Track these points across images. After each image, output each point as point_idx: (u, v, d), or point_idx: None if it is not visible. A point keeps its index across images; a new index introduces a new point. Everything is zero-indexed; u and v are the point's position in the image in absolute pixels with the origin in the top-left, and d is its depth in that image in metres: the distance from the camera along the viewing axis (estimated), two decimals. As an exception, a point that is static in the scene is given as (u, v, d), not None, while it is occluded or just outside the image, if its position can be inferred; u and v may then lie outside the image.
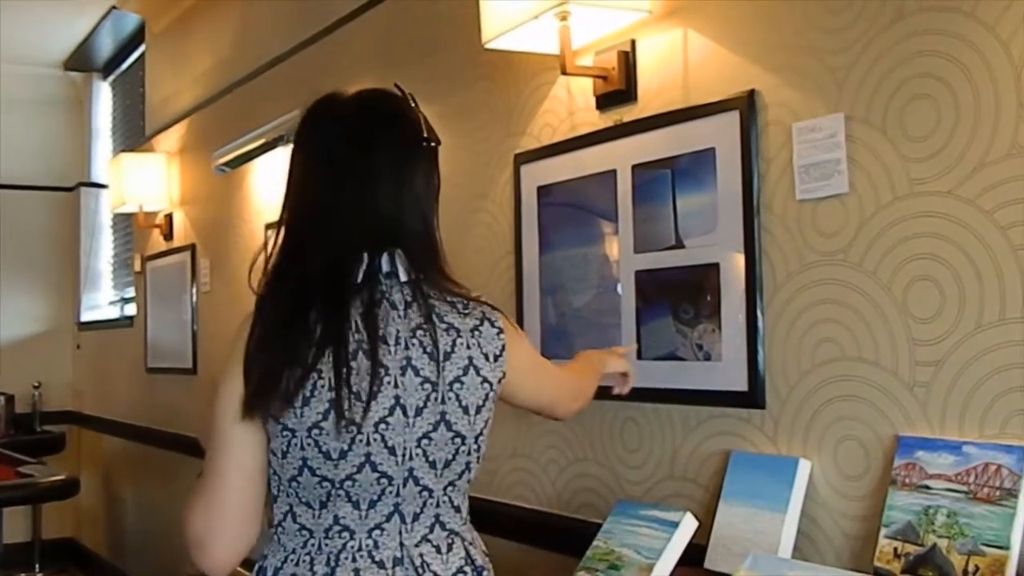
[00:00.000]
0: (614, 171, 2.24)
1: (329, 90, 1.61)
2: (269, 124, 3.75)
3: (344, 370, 1.41)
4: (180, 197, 5.04)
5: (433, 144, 1.56)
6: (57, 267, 6.84)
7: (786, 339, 1.88)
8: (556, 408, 1.85)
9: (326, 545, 1.46)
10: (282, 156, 3.73)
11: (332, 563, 1.45)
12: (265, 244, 1.55)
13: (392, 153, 1.51)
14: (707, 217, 2.02)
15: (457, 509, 1.54)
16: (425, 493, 1.49)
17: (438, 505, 1.51)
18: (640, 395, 2.10)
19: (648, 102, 2.19)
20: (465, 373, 1.49)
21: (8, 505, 4.85)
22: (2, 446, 5.48)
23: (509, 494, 2.59)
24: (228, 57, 4.52)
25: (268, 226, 3.95)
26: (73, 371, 6.84)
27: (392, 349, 1.45)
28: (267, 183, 4.04)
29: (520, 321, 2.47)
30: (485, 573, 1.55)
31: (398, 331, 1.47)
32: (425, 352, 1.47)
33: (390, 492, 1.46)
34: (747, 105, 1.94)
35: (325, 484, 1.44)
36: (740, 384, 1.95)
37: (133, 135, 6.12)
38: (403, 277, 1.50)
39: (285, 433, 1.43)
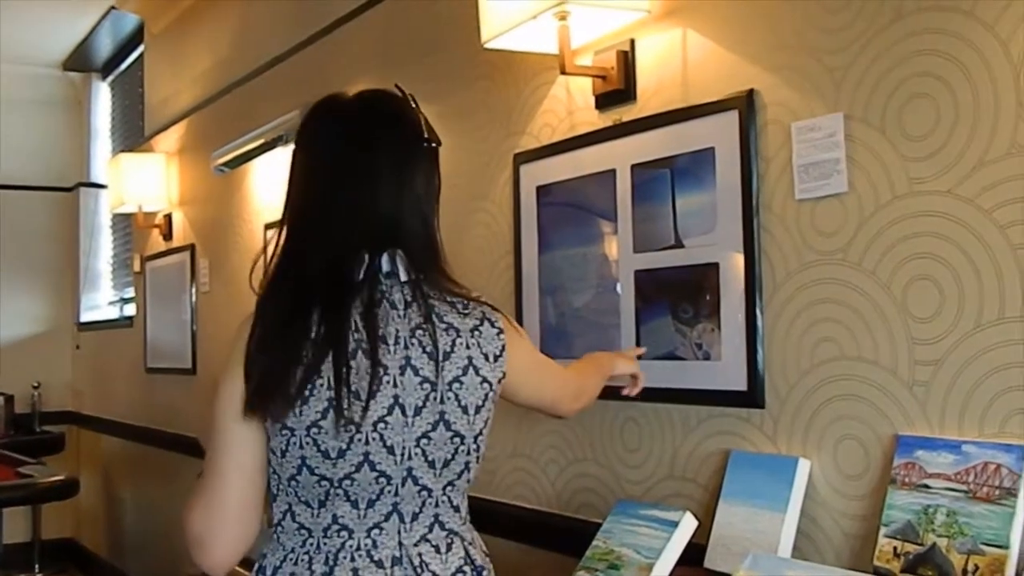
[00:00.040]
0: (613, 171, 2.24)
1: (328, 90, 1.61)
2: (268, 124, 3.75)
3: (343, 370, 1.41)
4: (179, 197, 5.04)
5: (434, 145, 1.56)
6: (56, 267, 6.84)
7: (785, 338, 1.88)
8: (558, 406, 1.85)
9: (325, 544, 1.46)
10: (281, 156, 3.73)
11: (331, 562, 1.45)
12: (266, 245, 1.55)
13: (393, 154, 1.51)
14: (706, 217, 2.02)
15: (456, 509, 1.54)
16: (424, 493, 1.49)
17: (437, 505, 1.51)
18: (640, 395, 2.10)
19: (647, 102, 2.19)
20: (464, 373, 1.49)
21: (8, 505, 4.86)
22: (2, 446, 5.48)
23: (509, 494, 2.59)
24: (227, 57, 4.52)
25: (268, 226, 3.95)
26: (72, 371, 6.84)
27: (391, 349, 1.45)
28: (266, 183, 4.04)
29: (519, 321, 2.47)
30: (485, 573, 1.55)
31: (397, 331, 1.47)
32: (424, 352, 1.47)
33: (389, 491, 1.46)
34: (746, 105, 1.94)
35: (324, 483, 1.44)
36: (740, 384, 1.95)
37: (132, 135, 6.12)
38: (403, 277, 1.50)
39: (284, 432, 1.43)
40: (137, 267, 5.61)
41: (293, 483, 1.46)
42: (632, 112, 2.22)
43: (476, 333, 1.52)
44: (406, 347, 1.46)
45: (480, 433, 1.52)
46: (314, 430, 1.42)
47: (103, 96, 6.86)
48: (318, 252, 1.49)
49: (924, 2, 1.66)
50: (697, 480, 2.07)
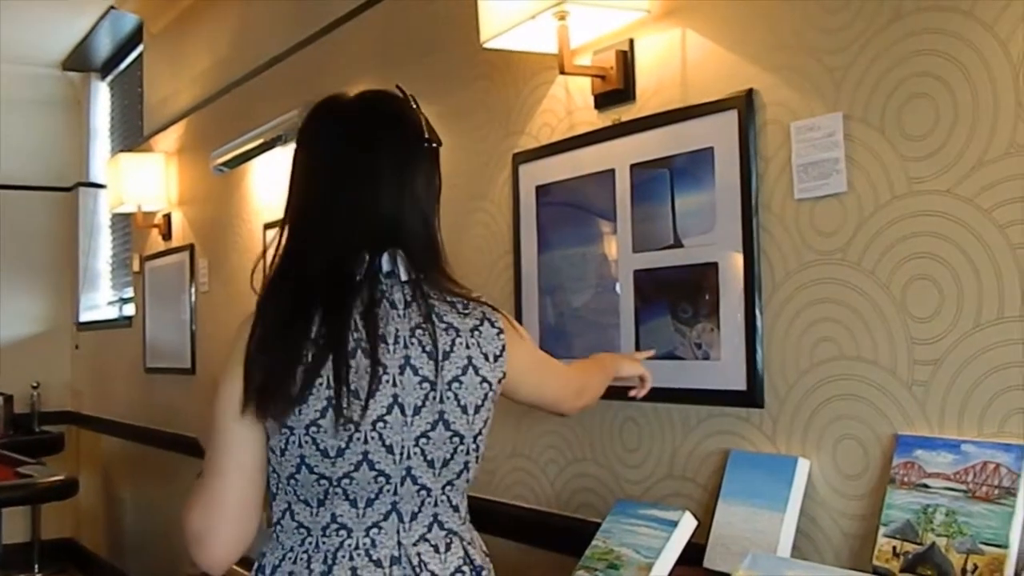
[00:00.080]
0: (612, 170, 2.24)
1: (327, 90, 1.61)
2: (267, 124, 3.75)
3: (343, 369, 1.41)
4: (178, 197, 5.04)
5: (434, 145, 1.57)
6: (55, 267, 6.84)
7: (785, 338, 1.88)
8: (560, 404, 1.86)
9: (323, 543, 1.47)
10: (280, 156, 3.73)
11: (329, 561, 1.45)
12: (267, 246, 1.55)
13: (394, 154, 1.52)
14: (705, 216, 2.02)
15: (455, 509, 1.54)
16: (423, 492, 1.49)
17: (436, 504, 1.51)
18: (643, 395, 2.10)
19: (646, 101, 2.19)
20: (464, 373, 1.49)
21: (7, 505, 4.85)
22: (1, 446, 5.48)
23: (508, 494, 2.59)
24: (226, 57, 4.52)
25: (267, 226, 3.95)
26: (72, 371, 6.84)
27: (391, 348, 1.45)
28: (265, 183, 4.04)
29: (519, 321, 2.47)
30: (484, 573, 1.55)
31: (397, 330, 1.47)
32: (424, 351, 1.47)
33: (388, 491, 1.46)
34: (745, 104, 1.94)
35: (323, 482, 1.44)
36: (739, 383, 1.96)
37: (131, 135, 6.12)
38: (403, 276, 1.50)
39: (284, 430, 1.43)
40: (136, 267, 5.61)
41: (292, 482, 1.46)
42: (631, 112, 2.22)
43: (476, 333, 1.53)
44: (406, 346, 1.46)
45: (479, 433, 1.52)
46: (313, 429, 1.42)
47: (102, 96, 6.86)
48: (319, 252, 1.49)
49: (923, 2, 1.66)
50: (696, 480, 2.07)
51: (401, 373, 1.45)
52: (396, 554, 1.47)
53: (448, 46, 2.84)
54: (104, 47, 6.38)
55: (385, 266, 1.49)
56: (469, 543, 1.55)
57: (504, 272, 2.59)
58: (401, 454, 1.45)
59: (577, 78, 2.32)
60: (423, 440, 1.47)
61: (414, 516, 1.49)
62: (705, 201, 2.03)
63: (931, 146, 1.65)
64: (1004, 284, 1.55)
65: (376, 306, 1.46)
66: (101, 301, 6.70)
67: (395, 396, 1.44)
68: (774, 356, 1.90)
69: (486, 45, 2.25)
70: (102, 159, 6.65)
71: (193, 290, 4.78)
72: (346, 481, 1.44)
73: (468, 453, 1.52)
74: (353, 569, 1.45)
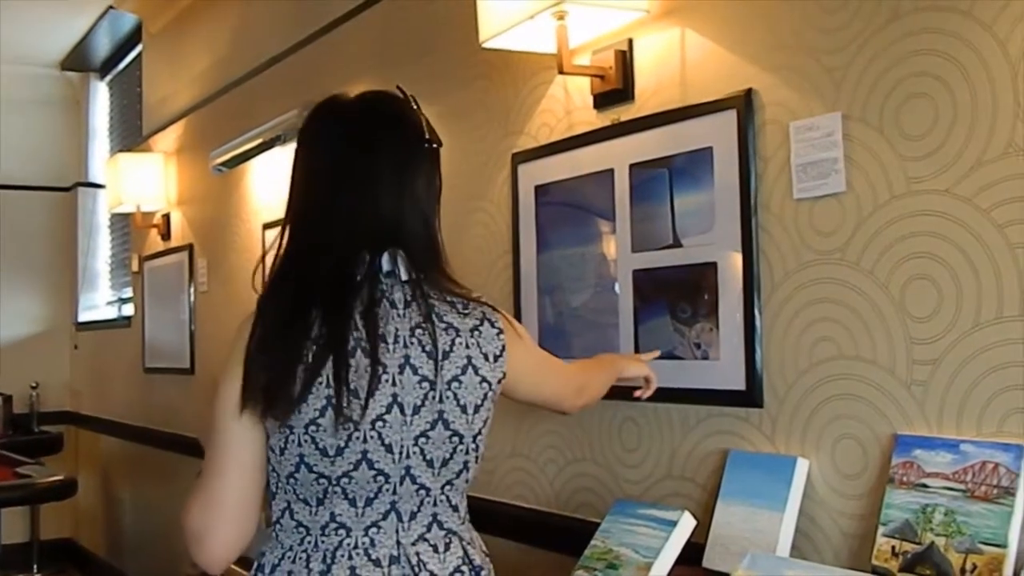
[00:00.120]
0: (611, 170, 2.24)
1: (326, 90, 1.61)
2: (266, 124, 3.75)
3: (343, 368, 1.41)
4: (178, 197, 5.04)
5: (435, 146, 1.57)
6: (54, 267, 6.84)
7: (784, 338, 1.88)
8: (561, 403, 1.86)
9: (322, 542, 1.47)
10: (279, 156, 3.72)
11: (328, 560, 1.46)
12: (268, 248, 1.56)
13: (394, 155, 1.52)
14: (704, 216, 2.02)
15: (455, 508, 1.54)
16: (422, 492, 1.49)
17: (435, 504, 1.51)
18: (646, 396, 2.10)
19: (645, 101, 2.19)
20: (464, 372, 1.50)
21: (6, 506, 4.86)
22: (0, 446, 5.48)
23: (508, 494, 2.59)
24: (225, 57, 4.52)
25: (266, 226, 3.95)
26: (71, 371, 6.84)
27: (391, 348, 1.46)
28: (264, 183, 4.03)
29: (518, 320, 2.47)
30: (483, 573, 1.55)
31: (397, 330, 1.47)
32: (424, 351, 1.47)
33: (387, 490, 1.46)
34: (744, 104, 1.94)
35: (322, 481, 1.44)
36: (738, 383, 1.96)
37: (130, 135, 6.12)
38: (404, 276, 1.50)
39: (283, 429, 1.44)
40: (135, 267, 5.61)
41: (292, 481, 1.46)
42: (630, 112, 2.22)
43: (476, 333, 1.53)
44: (405, 346, 1.47)
45: (479, 433, 1.53)
46: (312, 428, 1.42)
47: (101, 96, 6.86)
48: (319, 253, 1.49)
49: (922, 2, 1.66)
50: (695, 479, 2.07)
51: (401, 373, 1.45)
52: (395, 553, 1.47)
53: (447, 46, 2.84)
54: (103, 47, 6.38)
55: (385, 266, 1.49)
56: (468, 543, 1.55)
57: (503, 272, 2.59)
58: (400, 453, 1.46)
59: (576, 78, 2.32)
60: (422, 440, 1.47)
61: (413, 516, 1.49)
62: (704, 201, 2.03)
63: (930, 146, 1.65)
64: (1003, 284, 1.55)
65: (376, 306, 1.46)
66: (100, 301, 6.70)
67: (394, 395, 1.45)
68: (773, 356, 1.90)
69: (485, 45, 2.25)
70: (101, 159, 6.65)
71: (192, 290, 4.77)
72: (345, 480, 1.44)
73: (467, 453, 1.52)
74: (352, 568, 1.45)
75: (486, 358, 1.53)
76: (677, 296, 2.09)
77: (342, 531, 1.46)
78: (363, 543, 1.46)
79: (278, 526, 1.50)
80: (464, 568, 1.52)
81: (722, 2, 2.02)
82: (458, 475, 1.52)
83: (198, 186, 4.77)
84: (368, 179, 1.50)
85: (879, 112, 1.72)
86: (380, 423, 1.44)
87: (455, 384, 1.49)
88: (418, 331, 1.48)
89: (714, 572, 1.87)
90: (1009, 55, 1.55)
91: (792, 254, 1.87)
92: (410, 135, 1.55)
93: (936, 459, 1.60)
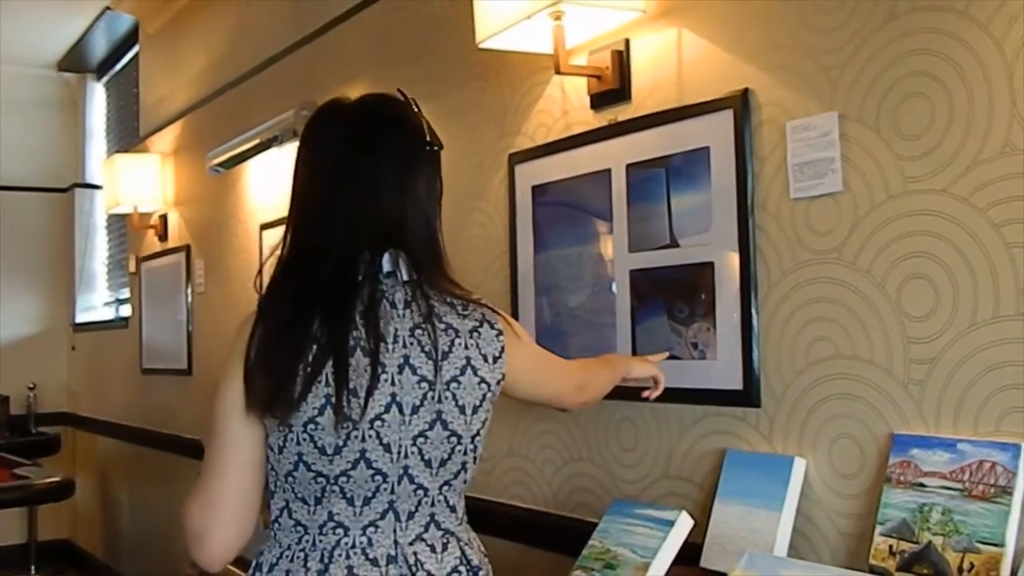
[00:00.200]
0: (608, 170, 2.24)
1: (323, 91, 1.62)
2: (263, 124, 3.75)
3: (343, 368, 1.42)
4: (175, 198, 5.03)
5: (436, 148, 1.57)
6: (52, 268, 6.83)
7: (781, 337, 1.88)
8: (561, 400, 1.87)
9: (320, 541, 1.47)
10: (276, 157, 3.72)
11: (326, 559, 1.46)
12: (272, 249, 1.57)
13: (395, 157, 1.53)
14: (701, 216, 2.03)
15: (452, 509, 1.54)
16: (420, 492, 1.49)
17: (433, 504, 1.51)
18: (635, 394, 2.10)
19: (642, 101, 2.19)
20: (463, 373, 1.50)
21: (4, 507, 4.86)
22: (-2, 448, 5.48)
23: (505, 494, 2.59)
24: (222, 58, 4.52)
25: (263, 226, 3.95)
26: (68, 372, 6.84)
27: (390, 347, 1.46)
28: (262, 183, 4.03)
29: (515, 320, 2.47)
30: (481, 573, 1.56)
31: (396, 330, 1.47)
32: (423, 351, 1.48)
33: (385, 489, 1.46)
34: (741, 104, 1.94)
35: (320, 480, 1.45)
36: (735, 383, 1.96)
37: (127, 136, 6.11)
38: (404, 277, 1.51)
39: (282, 428, 1.44)
40: (132, 268, 5.60)
41: (290, 479, 1.46)
42: (627, 112, 2.22)
43: (475, 334, 1.53)
44: (405, 346, 1.47)
45: (477, 433, 1.53)
46: (311, 426, 1.42)
47: (98, 96, 6.86)
48: (320, 253, 1.50)
49: (918, 2, 1.66)
50: (693, 479, 2.07)
51: (400, 372, 1.46)
52: (392, 553, 1.47)
53: (444, 46, 2.84)
54: (100, 48, 6.38)
55: (386, 266, 1.50)
56: (466, 543, 1.55)
57: (500, 272, 2.59)
58: (399, 453, 1.46)
59: (573, 78, 2.32)
60: (421, 439, 1.47)
61: (411, 515, 1.49)
62: (701, 201, 2.03)
63: (926, 145, 1.65)
64: (1000, 283, 1.56)
65: (376, 306, 1.47)
66: (97, 302, 6.69)
67: (393, 395, 1.45)
68: (770, 355, 1.91)
69: (481, 45, 2.25)
70: (98, 160, 6.64)
71: (189, 291, 4.77)
72: (343, 479, 1.44)
73: (466, 453, 1.52)
74: (349, 567, 1.45)
75: (485, 359, 1.53)
76: (674, 296, 2.09)
77: (340, 530, 1.47)
78: (361, 542, 1.47)
79: (276, 525, 1.51)
80: (461, 568, 1.52)
81: (719, 2, 2.02)
82: (456, 475, 1.52)
83: (195, 187, 4.77)
84: (370, 180, 1.51)
85: (876, 112, 1.72)
86: (379, 422, 1.44)
87: (454, 385, 1.49)
88: (418, 331, 1.48)
89: (712, 572, 1.87)
90: (1005, 55, 1.55)
91: (789, 254, 1.87)
92: (411, 137, 1.55)
93: (933, 458, 1.60)
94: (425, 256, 1.53)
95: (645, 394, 2.04)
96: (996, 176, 1.55)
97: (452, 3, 2.75)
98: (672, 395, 2.08)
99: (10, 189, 6.66)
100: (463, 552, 1.53)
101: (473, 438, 1.52)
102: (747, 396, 1.93)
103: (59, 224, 6.85)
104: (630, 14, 2.15)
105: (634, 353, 2.16)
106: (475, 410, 1.51)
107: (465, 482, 1.55)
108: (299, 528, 1.48)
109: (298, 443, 1.44)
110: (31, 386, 6.53)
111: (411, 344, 1.47)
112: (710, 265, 2.01)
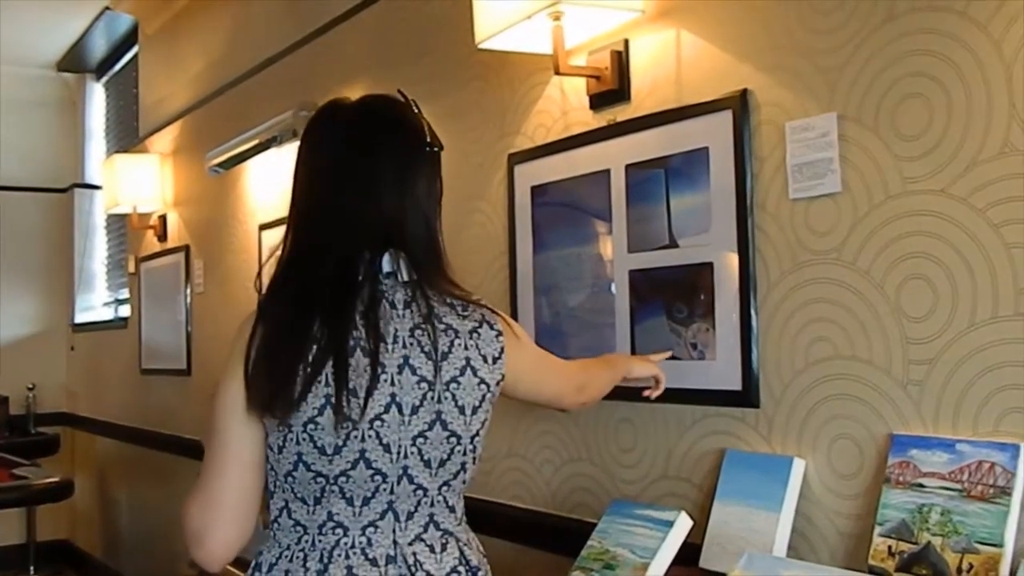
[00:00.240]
0: (608, 171, 2.24)
1: (322, 91, 1.62)
2: (263, 125, 3.75)
3: (343, 368, 1.42)
4: (174, 198, 5.03)
5: (436, 149, 1.57)
6: (51, 268, 6.83)
7: (780, 338, 1.89)
8: (561, 400, 1.87)
9: (319, 541, 1.47)
10: (276, 157, 3.72)
11: (325, 559, 1.46)
12: (273, 250, 1.57)
13: (395, 158, 1.53)
14: (701, 216, 2.03)
15: (452, 509, 1.54)
16: (419, 492, 1.49)
17: (432, 505, 1.51)
18: (635, 395, 2.11)
19: (641, 102, 2.19)
20: (462, 374, 1.50)
21: (3, 507, 4.87)
22: (-3, 448, 5.48)
23: (504, 494, 2.59)
24: (221, 58, 4.52)
25: (262, 227, 3.94)
26: (67, 373, 6.83)
27: (390, 348, 1.46)
28: (261, 184, 4.03)
29: (514, 321, 2.47)
30: (480, 573, 1.56)
31: (396, 330, 1.48)
32: (423, 351, 1.48)
33: (384, 489, 1.47)
34: (740, 104, 1.94)
35: (319, 480, 1.45)
36: (734, 383, 1.96)
37: (126, 136, 6.11)
38: (404, 277, 1.51)
39: (282, 428, 1.44)
40: (132, 268, 5.60)
41: (290, 479, 1.46)
42: (626, 112, 2.22)
43: (475, 335, 1.53)
44: (405, 346, 1.47)
45: (477, 434, 1.53)
46: (311, 426, 1.42)
47: (97, 97, 6.85)
48: (321, 253, 1.50)
49: (917, 2, 1.66)
50: (692, 480, 2.07)
51: (399, 373, 1.46)
52: (392, 553, 1.47)
53: (443, 47, 2.84)
54: (99, 48, 6.38)
55: (386, 267, 1.50)
56: (465, 544, 1.55)
57: (500, 272, 2.59)
58: (398, 453, 1.46)
59: (572, 78, 2.33)
60: (420, 440, 1.47)
61: (410, 516, 1.49)
62: (700, 201, 2.03)
63: (925, 146, 1.65)
64: (998, 283, 1.56)
65: (376, 306, 1.47)
66: (96, 302, 6.69)
67: (393, 395, 1.45)
68: (769, 356, 1.91)
69: (481, 46, 2.25)
70: (97, 160, 6.64)
71: (189, 291, 4.77)
72: (343, 479, 1.44)
73: (465, 454, 1.52)
74: (349, 568, 1.45)
75: (485, 360, 1.53)
76: (673, 296, 2.09)
77: (339, 530, 1.47)
78: (360, 542, 1.47)
79: (275, 525, 1.51)
80: (460, 568, 1.52)
81: (718, 2, 2.02)
82: (455, 476, 1.52)
83: (194, 187, 4.77)
84: (370, 180, 1.51)
85: (875, 112, 1.72)
86: (378, 423, 1.44)
87: (453, 385, 1.49)
88: (417, 332, 1.48)
89: (711, 572, 1.87)
90: (1004, 55, 1.55)
91: (788, 254, 1.87)
92: (411, 138, 1.55)
93: (932, 459, 1.60)
94: (425, 257, 1.53)
95: (646, 393, 2.04)
96: (995, 176, 1.56)
97: (452, 3, 2.75)
98: (671, 395, 2.08)
99: (9, 189, 6.66)
100: (462, 552, 1.53)
101: (472, 439, 1.52)
102: (746, 396, 1.94)
103: (58, 224, 6.85)
104: (629, 14, 2.15)
105: (633, 353, 2.16)
106: (475, 411, 1.51)
107: (464, 482, 1.55)
108: (298, 528, 1.48)
109: (298, 443, 1.44)
110: (30, 386, 6.53)
111: (411, 344, 1.47)
112: (709, 265, 2.01)
